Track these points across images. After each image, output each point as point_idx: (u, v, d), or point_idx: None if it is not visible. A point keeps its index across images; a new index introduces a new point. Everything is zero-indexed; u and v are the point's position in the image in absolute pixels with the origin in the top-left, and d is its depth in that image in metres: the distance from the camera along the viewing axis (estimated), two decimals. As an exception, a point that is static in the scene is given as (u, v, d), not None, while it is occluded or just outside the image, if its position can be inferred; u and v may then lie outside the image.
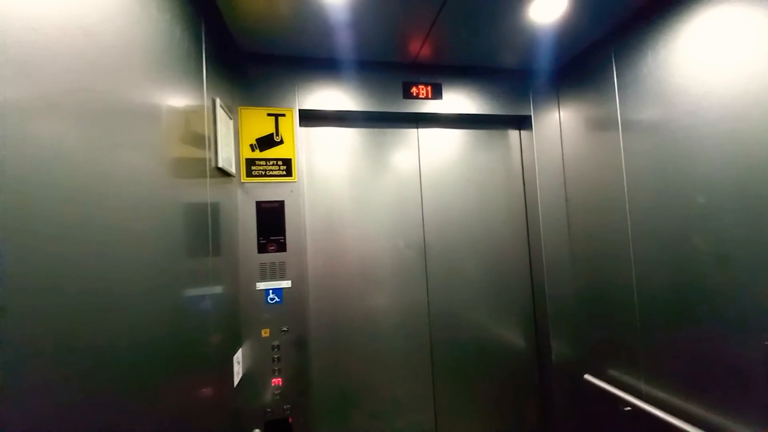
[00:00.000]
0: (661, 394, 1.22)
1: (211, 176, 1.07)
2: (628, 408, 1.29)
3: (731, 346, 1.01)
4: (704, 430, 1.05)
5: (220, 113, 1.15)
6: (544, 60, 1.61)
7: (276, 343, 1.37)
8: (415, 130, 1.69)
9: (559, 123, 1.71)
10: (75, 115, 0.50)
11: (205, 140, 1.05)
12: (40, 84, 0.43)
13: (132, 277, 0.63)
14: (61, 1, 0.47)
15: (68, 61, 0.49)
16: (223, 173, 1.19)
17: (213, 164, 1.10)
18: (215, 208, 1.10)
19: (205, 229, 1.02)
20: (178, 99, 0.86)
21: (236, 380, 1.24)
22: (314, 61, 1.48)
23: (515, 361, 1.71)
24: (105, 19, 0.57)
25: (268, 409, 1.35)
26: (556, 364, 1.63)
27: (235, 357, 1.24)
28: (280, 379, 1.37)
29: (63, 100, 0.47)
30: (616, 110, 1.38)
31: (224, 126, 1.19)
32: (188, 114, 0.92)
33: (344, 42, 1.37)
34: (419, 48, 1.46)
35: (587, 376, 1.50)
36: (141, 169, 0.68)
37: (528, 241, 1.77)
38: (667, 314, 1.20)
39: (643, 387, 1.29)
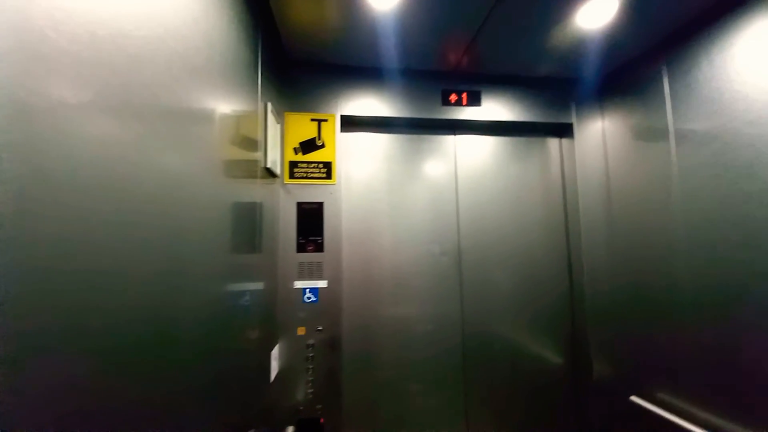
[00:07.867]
0: (720, 421, 1.13)
1: (260, 177, 1.13)
2: (681, 436, 1.20)
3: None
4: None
5: (270, 117, 1.21)
6: (588, 68, 1.58)
7: (311, 341, 1.40)
8: (453, 136, 1.69)
9: (602, 132, 1.65)
10: (158, 119, 0.55)
11: (257, 142, 1.11)
12: (128, 89, 0.48)
13: (197, 268, 0.67)
14: (154, 34, 0.52)
15: (158, 69, 0.54)
16: (270, 174, 1.25)
17: (262, 165, 1.16)
18: (261, 207, 1.15)
19: (254, 227, 1.07)
20: (239, 104, 0.92)
21: (272, 376, 1.27)
22: (358, 69, 1.53)
23: (552, 377, 1.63)
24: (187, 36, 0.63)
25: (301, 407, 1.37)
26: (597, 382, 1.55)
27: (272, 353, 1.27)
28: (313, 378, 1.39)
29: (148, 102, 0.52)
30: (667, 120, 1.32)
31: (273, 129, 1.25)
32: (246, 117, 0.98)
33: (388, 51, 1.41)
34: (460, 56, 1.48)
35: (634, 398, 1.41)
36: (209, 168, 0.73)
37: (568, 253, 1.71)
38: (722, 333, 1.11)
39: (700, 413, 1.19)
